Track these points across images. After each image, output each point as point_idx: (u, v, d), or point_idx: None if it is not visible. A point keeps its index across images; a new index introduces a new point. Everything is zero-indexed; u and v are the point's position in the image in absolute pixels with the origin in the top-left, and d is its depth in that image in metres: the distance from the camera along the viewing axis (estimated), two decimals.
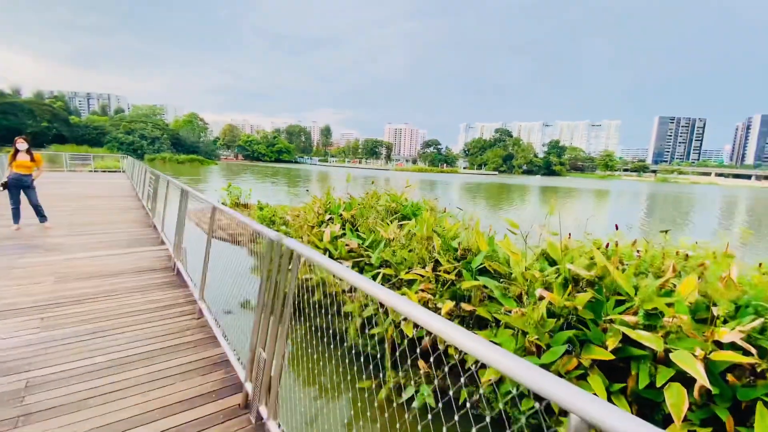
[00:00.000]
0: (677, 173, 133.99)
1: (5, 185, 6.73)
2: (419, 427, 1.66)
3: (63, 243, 6.03)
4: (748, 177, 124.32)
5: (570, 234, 4.51)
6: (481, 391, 3.30)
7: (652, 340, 2.73)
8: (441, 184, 51.99)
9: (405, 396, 3.45)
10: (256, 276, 7.52)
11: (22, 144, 6.76)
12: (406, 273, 4.00)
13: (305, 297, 5.06)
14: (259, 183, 35.38)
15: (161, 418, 2.45)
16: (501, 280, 3.68)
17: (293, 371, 4.35)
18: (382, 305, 3.93)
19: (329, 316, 4.41)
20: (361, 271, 4.94)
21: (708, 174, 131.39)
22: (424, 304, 3.72)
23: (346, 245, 5.28)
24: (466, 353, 1.07)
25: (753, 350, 2.47)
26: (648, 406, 2.93)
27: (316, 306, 4.86)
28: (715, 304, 2.91)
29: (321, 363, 4.14)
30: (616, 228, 4.70)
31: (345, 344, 4.10)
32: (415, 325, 2.26)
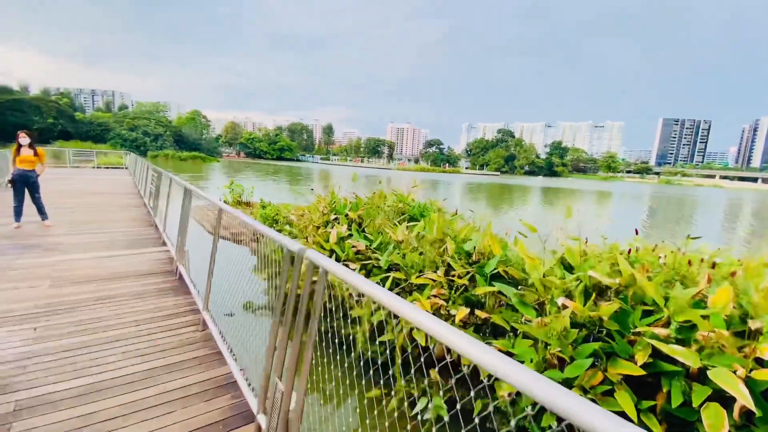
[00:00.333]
0: (681, 175, 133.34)
1: (12, 182, 6.59)
2: None
3: (62, 243, 5.87)
4: (755, 180, 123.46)
5: (587, 239, 4.32)
6: (496, 403, 3.12)
7: (687, 356, 2.54)
8: (443, 184, 51.80)
9: (418, 407, 3.27)
10: (259, 277, 7.29)
11: (24, 138, 6.62)
12: (417, 277, 3.81)
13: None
14: (261, 181, 35.26)
15: None
16: (519, 287, 3.48)
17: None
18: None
19: (332, 319, 4.22)
20: (368, 273, 4.76)
21: (712, 176, 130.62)
22: (437, 309, 3.54)
23: (353, 247, 5.10)
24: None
25: None
26: (678, 425, 2.74)
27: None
28: (751, 317, 2.72)
29: (325, 369, 3.96)
30: (636, 233, 4.51)
31: (353, 353, 3.91)
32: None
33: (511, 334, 3.20)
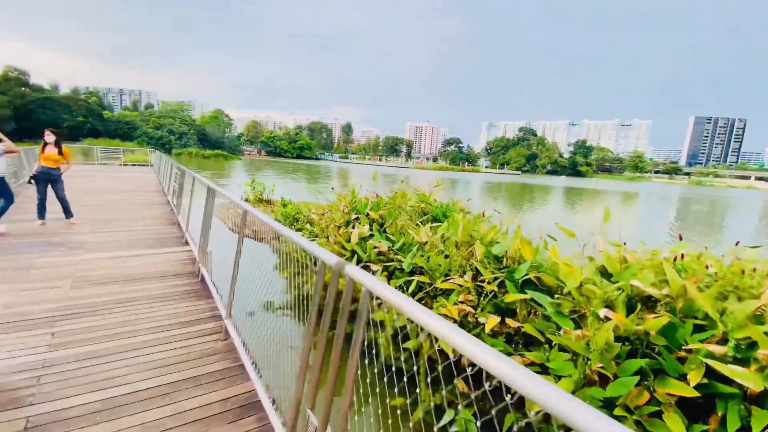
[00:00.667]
0: (713, 176, 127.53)
1: (34, 178, 6.63)
2: None
3: (85, 241, 5.85)
4: None
5: (625, 243, 4.04)
6: (527, 420, 2.92)
7: (748, 377, 2.29)
8: (462, 182, 51.10)
9: (445, 419, 3.10)
10: (280, 275, 7.22)
11: (49, 137, 6.65)
12: (443, 281, 3.64)
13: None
14: (281, 179, 35.61)
15: None
16: (555, 296, 3.26)
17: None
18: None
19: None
20: (390, 275, 4.62)
21: (747, 177, 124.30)
22: (464, 316, 3.36)
23: (375, 248, 4.97)
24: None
25: None
26: None
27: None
28: None
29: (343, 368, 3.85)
30: (680, 239, 4.19)
31: (376, 360, 3.76)
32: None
33: (546, 345, 2.99)
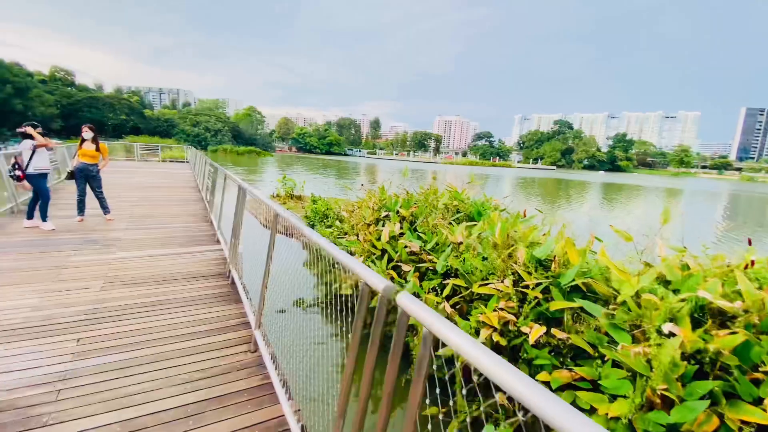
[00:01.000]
0: (765, 171, 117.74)
1: (72, 175, 6.77)
2: None
3: (120, 238, 5.88)
4: None
5: (685, 247, 3.65)
6: None
7: None
8: (492, 178, 49.78)
9: None
10: (310, 272, 7.14)
11: (87, 133, 6.69)
12: (481, 285, 3.41)
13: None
14: (310, 174, 36.04)
15: None
16: (609, 306, 2.97)
17: (338, 372, 3.96)
18: None
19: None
20: (422, 277, 4.43)
21: None
22: (504, 324, 3.13)
23: (406, 247, 4.79)
24: None
25: None
26: None
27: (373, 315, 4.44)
28: None
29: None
30: (749, 243, 3.74)
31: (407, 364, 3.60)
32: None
33: (599, 360, 2.71)
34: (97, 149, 6.80)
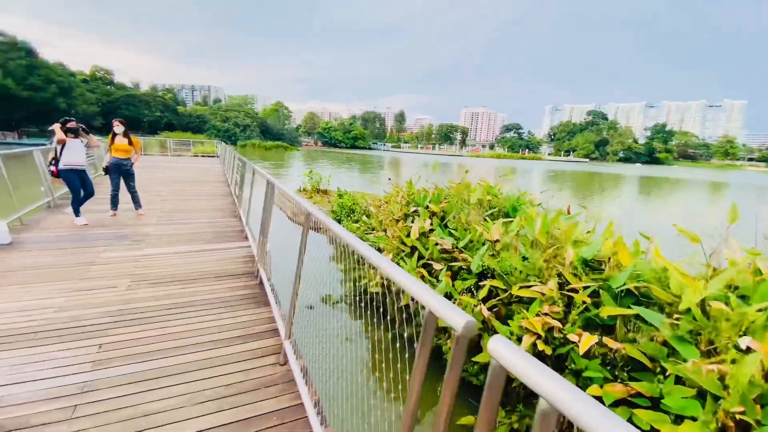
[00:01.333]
0: None
1: (106, 170, 6.82)
2: None
3: (150, 234, 5.89)
4: None
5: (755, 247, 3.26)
6: None
7: None
8: (521, 171, 48.28)
9: None
10: (337, 267, 7.01)
11: (119, 127, 6.64)
12: (521, 288, 3.17)
13: (385, 298, 4.50)
14: (335, 168, 36.18)
15: None
16: (665, 312, 2.66)
17: (373, 383, 3.83)
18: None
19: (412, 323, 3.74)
20: (455, 276, 4.22)
21: None
22: (548, 330, 2.88)
23: (437, 244, 4.58)
24: None
25: None
26: None
27: (403, 314, 4.27)
28: None
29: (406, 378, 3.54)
30: None
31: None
32: None
33: (661, 375, 2.43)
34: (130, 143, 6.77)
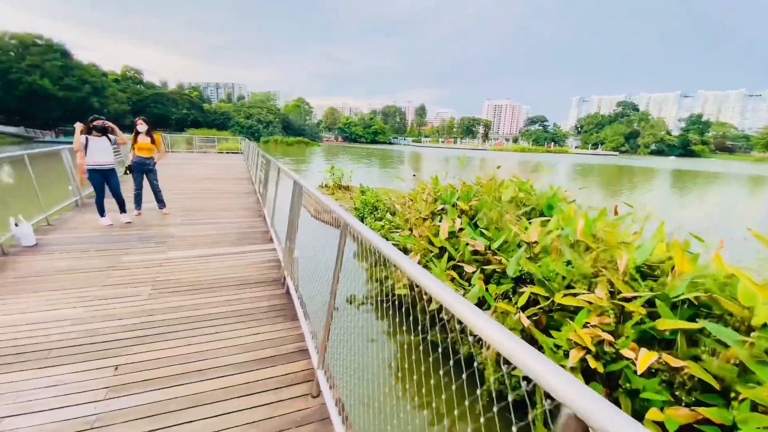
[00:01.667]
0: None
1: (129, 169, 6.70)
2: None
3: (173, 235, 5.76)
4: None
5: None
6: None
7: None
8: (546, 165, 46.84)
9: None
10: (361, 266, 6.81)
11: (142, 125, 6.55)
12: (566, 296, 2.91)
13: (416, 303, 4.30)
14: (355, 164, 36.12)
15: None
16: (754, 334, 2.36)
17: (404, 398, 3.65)
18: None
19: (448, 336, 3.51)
20: (487, 279, 3.98)
21: None
22: (598, 344, 2.63)
23: (467, 244, 4.35)
24: None
25: None
26: None
27: (435, 323, 4.07)
28: None
29: (437, 390, 3.36)
30: None
31: (480, 387, 3.21)
32: None
33: (736, 402, 2.15)
34: (152, 142, 6.68)
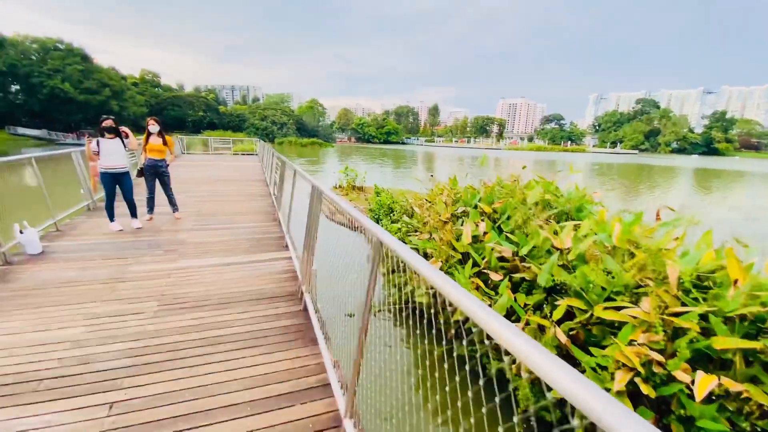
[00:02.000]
0: None
1: (141, 172, 6.47)
2: None
3: (184, 241, 5.53)
4: None
5: None
6: None
7: None
8: (562, 165, 45.85)
9: None
10: (379, 272, 6.70)
11: (153, 126, 6.31)
12: (607, 309, 2.68)
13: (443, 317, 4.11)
14: (368, 164, 35.99)
15: None
16: None
17: (433, 418, 3.46)
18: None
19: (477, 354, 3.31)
20: (516, 288, 3.76)
21: None
22: (646, 364, 2.39)
23: (493, 249, 4.13)
24: None
25: None
26: None
27: (460, 336, 3.87)
28: None
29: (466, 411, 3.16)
30: None
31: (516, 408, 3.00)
32: None
33: None
34: (164, 143, 6.42)
